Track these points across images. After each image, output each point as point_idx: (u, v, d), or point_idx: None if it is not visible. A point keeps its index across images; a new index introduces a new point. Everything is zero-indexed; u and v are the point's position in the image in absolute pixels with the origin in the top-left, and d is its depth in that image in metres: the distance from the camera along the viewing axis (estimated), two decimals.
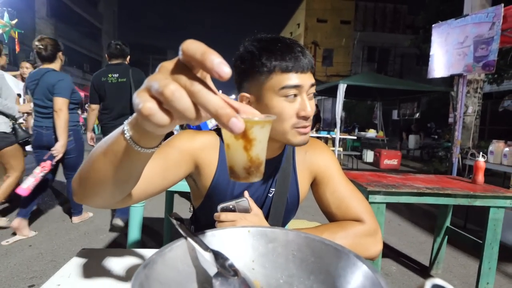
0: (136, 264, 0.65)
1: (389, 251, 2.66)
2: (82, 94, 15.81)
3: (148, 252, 0.72)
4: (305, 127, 0.73)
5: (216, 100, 0.29)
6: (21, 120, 2.96)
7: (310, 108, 0.71)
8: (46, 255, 2.27)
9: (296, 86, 0.69)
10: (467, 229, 3.20)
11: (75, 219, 2.93)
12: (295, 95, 0.70)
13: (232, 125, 0.29)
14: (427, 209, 4.07)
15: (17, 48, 5.73)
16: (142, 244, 1.33)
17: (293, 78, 0.69)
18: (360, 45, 23.77)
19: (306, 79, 0.70)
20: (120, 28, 32.51)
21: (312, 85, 0.72)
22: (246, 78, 0.74)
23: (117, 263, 0.65)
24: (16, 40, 5.40)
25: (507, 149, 2.82)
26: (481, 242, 1.84)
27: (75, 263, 0.65)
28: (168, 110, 0.30)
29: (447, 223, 2.27)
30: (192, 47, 0.29)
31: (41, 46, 2.47)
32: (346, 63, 24.01)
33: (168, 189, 1.33)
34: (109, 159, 0.44)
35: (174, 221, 0.48)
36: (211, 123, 1.64)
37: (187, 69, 0.30)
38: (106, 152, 0.44)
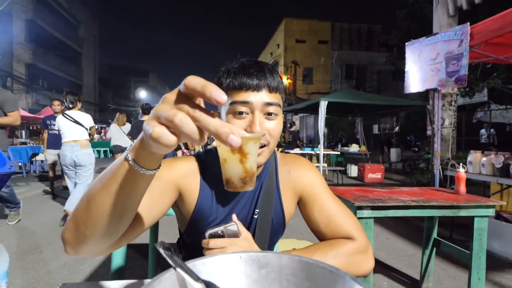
0: None
1: (379, 266, 2.65)
2: None
3: (133, 284, 0.68)
4: None
5: (215, 121, 0.35)
6: None
7: (258, 127, 0.70)
8: None
9: (244, 102, 0.70)
10: (453, 240, 3.24)
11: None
12: (247, 113, 0.71)
13: (230, 141, 0.34)
14: (413, 220, 4.11)
15: None
16: (126, 273, 1.27)
17: (241, 95, 0.71)
18: (338, 64, 24.58)
19: (258, 97, 0.71)
20: (101, 52, 32.33)
21: (269, 104, 0.71)
22: None
23: None
24: None
25: (484, 158, 2.92)
26: (468, 252, 1.86)
27: None
28: (174, 132, 0.35)
29: (434, 234, 2.30)
30: (194, 81, 0.34)
31: None
32: (325, 80, 24.68)
33: None
34: (112, 189, 0.46)
35: (162, 251, 0.46)
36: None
37: (188, 98, 0.36)
38: (107, 183, 0.46)
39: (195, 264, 0.45)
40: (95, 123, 4.78)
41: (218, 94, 0.34)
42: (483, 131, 10.71)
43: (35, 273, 2.39)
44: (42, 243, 3.01)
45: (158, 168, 0.46)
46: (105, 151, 14.81)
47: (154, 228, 1.53)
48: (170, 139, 0.35)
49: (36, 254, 2.77)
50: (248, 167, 0.45)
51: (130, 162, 0.43)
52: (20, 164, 7.70)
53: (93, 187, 0.49)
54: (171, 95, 0.37)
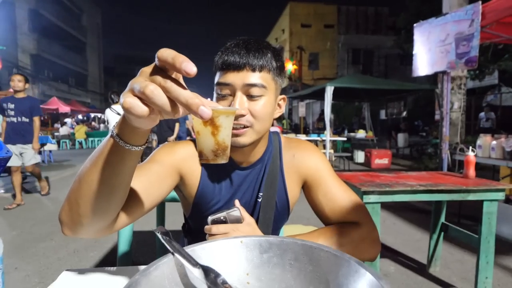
0: (124, 284, 0.61)
1: (386, 251, 2.65)
2: (68, 108, 15.54)
3: (135, 269, 0.68)
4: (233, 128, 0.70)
5: (186, 92, 0.35)
6: None
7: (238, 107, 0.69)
8: (33, 277, 2.18)
9: (225, 84, 0.69)
10: (461, 224, 3.22)
11: None
12: (229, 94, 0.70)
13: (201, 112, 0.35)
14: (420, 205, 4.09)
15: None
16: (134, 260, 1.28)
17: (223, 76, 0.70)
18: (345, 48, 24.11)
19: (239, 78, 0.68)
20: (105, 41, 32.18)
21: (251, 85, 0.69)
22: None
23: (104, 284, 0.61)
24: None
25: (494, 142, 2.86)
26: (476, 236, 1.83)
27: (58, 286, 0.60)
28: (147, 104, 0.36)
29: (442, 219, 2.27)
30: (165, 53, 0.35)
31: None
32: (332, 66, 24.29)
33: None
34: (100, 166, 0.47)
35: (160, 236, 0.44)
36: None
37: (162, 71, 0.36)
38: (96, 161, 0.48)
39: (194, 250, 0.44)
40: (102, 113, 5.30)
41: (187, 65, 0.34)
42: (482, 114, 10.17)
43: (46, 260, 2.44)
44: (53, 231, 3.07)
45: (144, 145, 0.46)
46: None
47: (161, 215, 1.54)
48: (141, 109, 0.36)
49: (47, 241, 2.82)
50: (220, 140, 0.46)
51: (115, 137, 0.44)
52: None
53: (84, 165, 0.50)
54: (147, 68, 0.38)
